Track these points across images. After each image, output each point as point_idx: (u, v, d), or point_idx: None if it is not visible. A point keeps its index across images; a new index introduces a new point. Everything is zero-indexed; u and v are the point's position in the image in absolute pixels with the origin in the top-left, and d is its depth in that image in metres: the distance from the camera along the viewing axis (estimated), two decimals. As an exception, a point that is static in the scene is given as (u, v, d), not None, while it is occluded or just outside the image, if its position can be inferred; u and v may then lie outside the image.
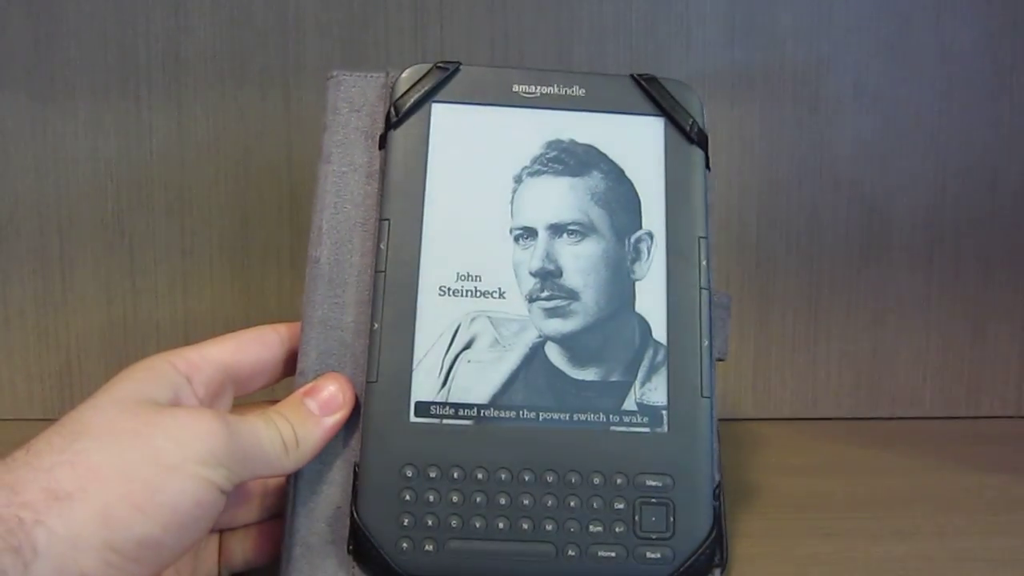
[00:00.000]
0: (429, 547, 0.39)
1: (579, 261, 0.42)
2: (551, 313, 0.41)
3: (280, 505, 0.42)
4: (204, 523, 0.35)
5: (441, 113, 0.43)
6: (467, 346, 0.41)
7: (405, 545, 0.39)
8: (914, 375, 0.68)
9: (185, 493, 0.33)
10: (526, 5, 0.64)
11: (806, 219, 0.67)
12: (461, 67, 0.43)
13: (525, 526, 0.39)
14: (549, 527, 0.39)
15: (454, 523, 0.39)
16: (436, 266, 0.41)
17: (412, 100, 0.43)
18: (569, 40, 0.64)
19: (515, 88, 0.43)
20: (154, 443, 0.33)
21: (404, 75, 0.43)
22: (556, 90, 0.43)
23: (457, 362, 0.40)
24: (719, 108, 0.65)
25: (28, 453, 0.33)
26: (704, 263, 0.42)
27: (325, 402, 0.40)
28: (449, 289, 0.41)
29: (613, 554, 0.39)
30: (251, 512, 0.42)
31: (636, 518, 0.39)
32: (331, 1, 0.63)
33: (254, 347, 0.41)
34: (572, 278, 0.41)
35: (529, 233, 0.42)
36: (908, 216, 0.67)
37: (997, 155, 0.67)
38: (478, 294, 0.41)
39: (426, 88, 0.43)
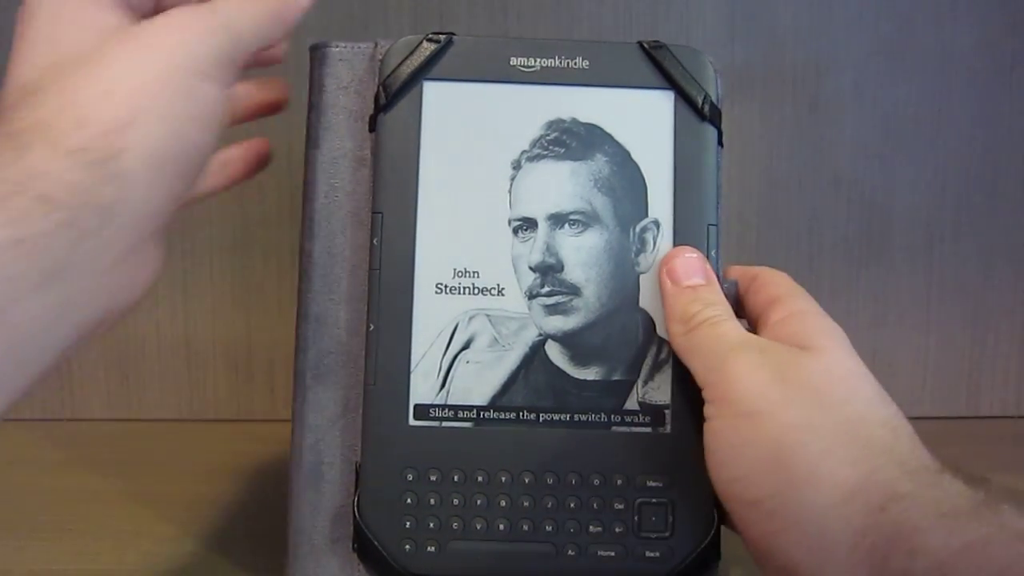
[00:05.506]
0: (431, 548, 0.39)
1: (581, 254, 0.40)
2: (552, 310, 0.40)
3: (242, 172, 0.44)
4: (222, 123, 0.36)
5: (434, 92, 0.41)
6: (465, 346, 0.40)
7: (408, 547, 0.39)
8: (914, 375, 0.68)
9: (214, 98, 0.35)
10: (526, 5, 0.64)
11: (806, 219, 0.67)
12: (455, 38, 0.41)
13: (525, 527, 0.39)
14: (549, 528, 0.39)
15: (455, 525, 0.39)
16: (432, 262, 0.40)
17: (402, 79, 0.40)
18: (569, 40, 0.64)
19: (513, 62, 0.41)
20: (174, 58, 0.33)
21: (393, 49, 0.41)
22: (557, 63, 0.41)
23: (456, 363, 0.40)
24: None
25: (56, 87, 0.32)
26: (712, 253, 0.40)
27: None
28: (446, 287, 0.40)
29: (612, 553, 0.39)
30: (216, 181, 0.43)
31: (636, 518, 0.39)
32: (331, 1, 0.63)
33: None
34: (574, 272, 0.40)
35: (528, 224, 0.40)
36: (908, 216, 0.67)
37: (997, 155, 0.67)
38: (476, 291, 0.40)
39: (417, 64, 0.40)
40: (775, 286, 0.40)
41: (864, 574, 0.31)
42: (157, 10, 0.36)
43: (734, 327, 0.38)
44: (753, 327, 0.40)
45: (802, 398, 0.35)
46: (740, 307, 0.41)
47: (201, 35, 0.34)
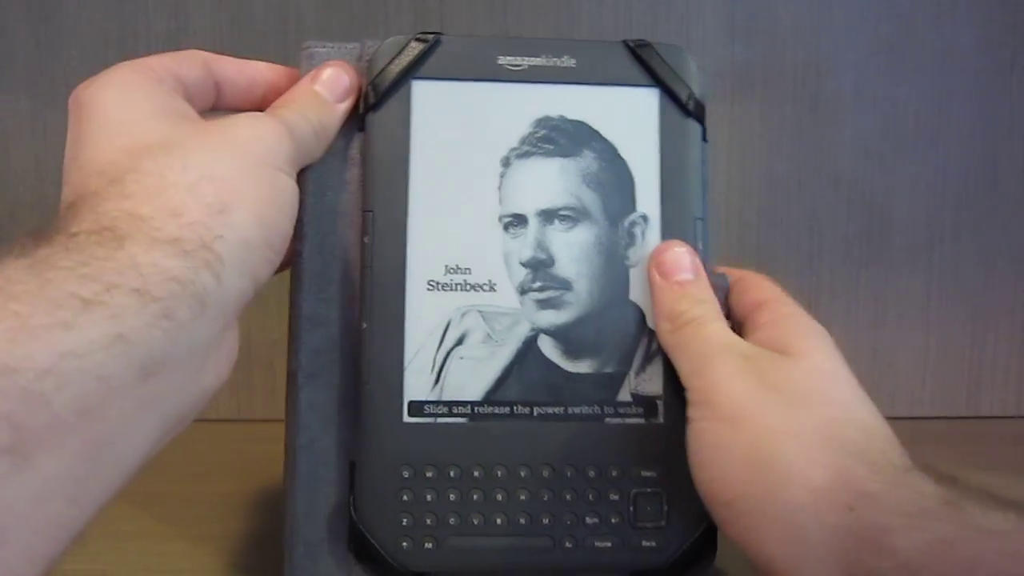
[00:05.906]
0: (429, 544, 0.39)
1: (572, 249, 0.40)
2: (544, 305, 0.40)
3: None
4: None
5: (422, 91, 0.41)
6: (459, 342, 0.40)
7: (405, 544, 0.39)
8: (914, 375, 0.68)
9: (293, 189, 0.37)
10: (526, 5, 0.64)
11: (806, 219, 0.67)
12: (442, 38, 0.41)
13: (522, 520, 0.39)
14: (546, 520, 0.39)
15: (452, 521, 0.39)
16: (424, 259, 0.40)
17: (391, 79, 0.40)
18: (568, 40, 0.64)
19: (500, 60, 0.41)
20: (254, 151, 0.35)
21: (381, 49, 0.41)
22: (544, 61, 0.41)
23: (449, 359, 0.40)
24: (719, 108, 0.64)
25: (141, 175, 0.32)
26: (700, 246, 0.41)
27: (342, 92, 0.40)
28: (438, 283, 0.40)
29: (609, 544, 0.39)
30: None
31: (631, 509, 0.39)
32: (331, 2, 0.63)
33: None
34: (565, 267, 0.40)
35: (519, 220, 0.40)
36: (908, 216, 0.67)
37: (997, 155, 0.67)
38: (468, 287, 0.40)
39: (405, 64, 0.40)
40: (759, 290, 0.41)
41: (839, 571, 0.32)
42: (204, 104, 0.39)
43: (719, 328, 0.38)
44: (738, 329, 0.40)
45: (780, 403, 0.35)
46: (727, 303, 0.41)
47: (274, 134, 0.36)
